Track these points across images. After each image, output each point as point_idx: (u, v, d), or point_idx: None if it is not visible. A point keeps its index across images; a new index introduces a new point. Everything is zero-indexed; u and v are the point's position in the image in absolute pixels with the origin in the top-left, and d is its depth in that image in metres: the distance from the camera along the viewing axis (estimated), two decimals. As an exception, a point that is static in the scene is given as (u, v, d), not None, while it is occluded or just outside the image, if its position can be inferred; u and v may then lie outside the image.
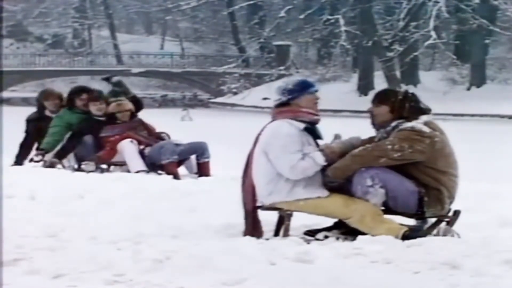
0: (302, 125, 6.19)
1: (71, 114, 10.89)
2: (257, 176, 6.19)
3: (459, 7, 42.22)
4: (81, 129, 10.67)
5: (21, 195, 7.97)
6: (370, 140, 6.33)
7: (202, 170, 10.40)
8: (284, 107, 6.26)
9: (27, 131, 11.24)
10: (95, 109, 10.78)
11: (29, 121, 11.27)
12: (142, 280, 4.85)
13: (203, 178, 9.96)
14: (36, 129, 11.07)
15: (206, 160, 10.51)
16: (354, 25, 44.32)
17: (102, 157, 10.55)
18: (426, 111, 6.25)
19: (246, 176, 6.28)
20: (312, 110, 6.26)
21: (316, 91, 6.33)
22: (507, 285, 4.75)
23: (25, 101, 42.21)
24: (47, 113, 11.15)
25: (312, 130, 6.25)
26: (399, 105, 6.19)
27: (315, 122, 6.29)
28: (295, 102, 6.23)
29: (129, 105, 10.86)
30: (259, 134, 6.29)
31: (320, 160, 6.09)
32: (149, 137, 10.69)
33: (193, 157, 10.68)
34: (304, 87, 6.30)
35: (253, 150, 6.27)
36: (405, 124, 6.11)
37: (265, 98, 41.26)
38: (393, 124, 6.17)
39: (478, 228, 6.48)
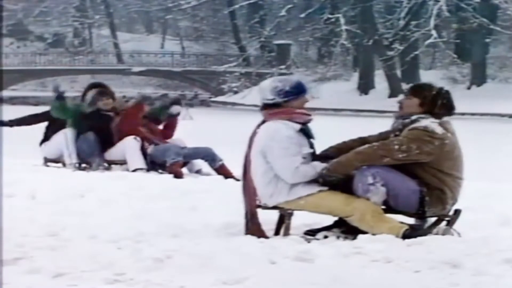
0: (298, 126, 6.14)
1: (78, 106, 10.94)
2: (256, 178, 6.16)
3: (460, 6, 42.22)
4: (91, 125, 10.70)
5: (21, 194, 7.97)
6: (380, 135, 6.31)
7: (223, 174, 10.22)
8: (276, 108, 6.17)
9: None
10: (102, 104, 10.82)
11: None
12: (142, 279, 4.85)
13: (203, 177, 9.98)
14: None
15: (221, 163, 10.44)
16: (355, 24, 44.30)
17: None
18: (453, 110, 6.20)
19: (246, 179, 6.24)
20: (305, 111, 6.22)
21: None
22: (507, 284, 4.74)
23: (25, 100, 42.20)
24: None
25: (305, 131, 6.21)
26: (431, 100, 6.11)
27: (308, 122, 6.26)
28: (288, 103, 6.17)
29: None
30: (253, 136, 6.24)
31: (320, 168, 6.06)
32: (155, 137, 10.74)
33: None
34: (301, 91, 6.23)
35: (248, 152, 6.23)
36: (420, 122, 6.04)
37: None
38: (414, 117, 6.09)
39: (478, 227, 6.47)
